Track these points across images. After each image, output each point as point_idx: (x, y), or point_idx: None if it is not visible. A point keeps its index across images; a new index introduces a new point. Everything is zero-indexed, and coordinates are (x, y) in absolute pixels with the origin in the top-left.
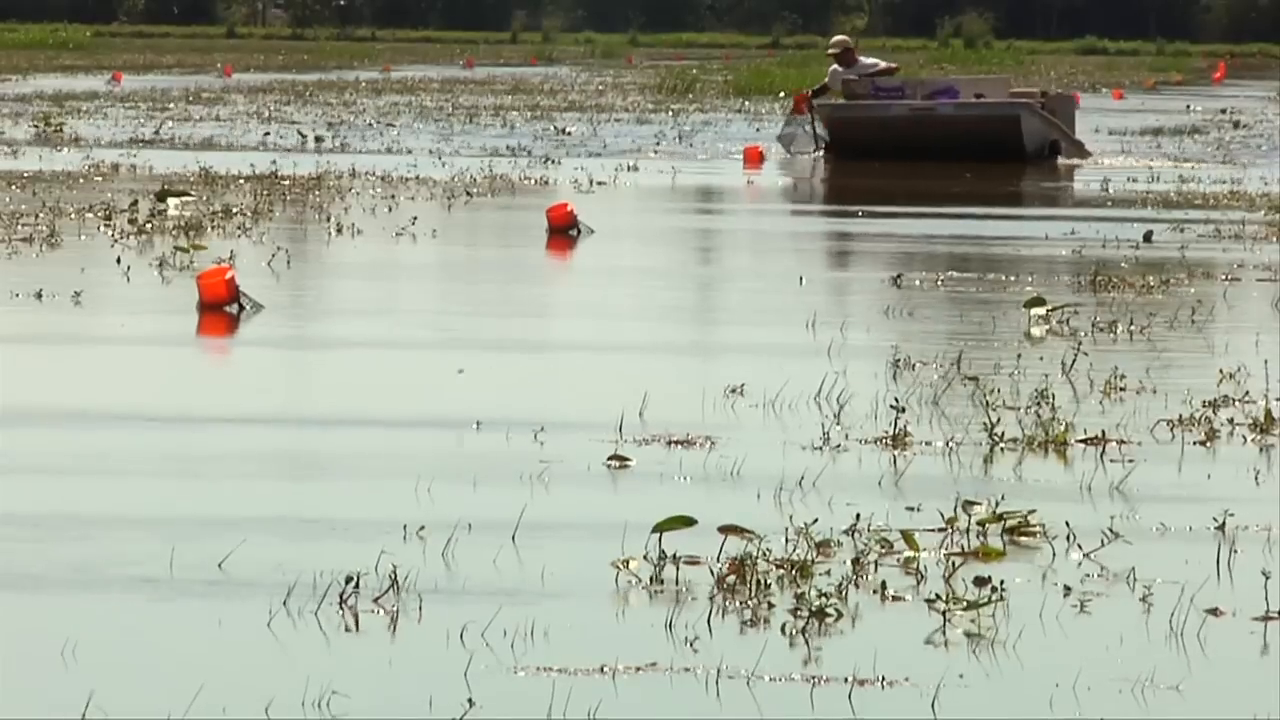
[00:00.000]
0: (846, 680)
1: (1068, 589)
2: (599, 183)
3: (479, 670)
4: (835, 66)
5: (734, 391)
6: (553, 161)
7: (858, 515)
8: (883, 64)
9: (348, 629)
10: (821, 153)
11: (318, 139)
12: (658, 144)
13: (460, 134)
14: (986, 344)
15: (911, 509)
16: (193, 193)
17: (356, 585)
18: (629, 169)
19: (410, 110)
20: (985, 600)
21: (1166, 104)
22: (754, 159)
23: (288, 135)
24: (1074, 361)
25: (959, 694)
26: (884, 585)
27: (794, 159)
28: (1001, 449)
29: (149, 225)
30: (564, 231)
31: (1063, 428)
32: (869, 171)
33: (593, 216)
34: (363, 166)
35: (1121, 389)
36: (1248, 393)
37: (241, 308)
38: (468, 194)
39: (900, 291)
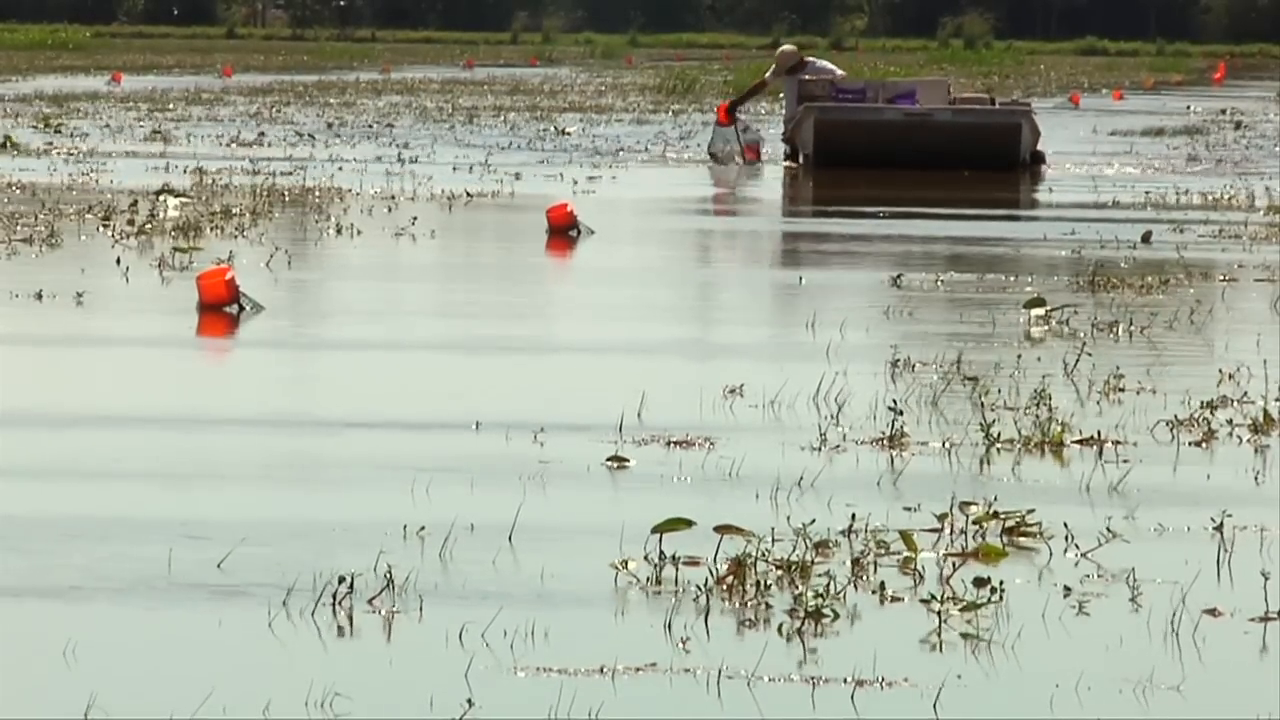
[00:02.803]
0: (846, 681)
1: (1067, 589)
2: (590, 178)
3: (479, 671)
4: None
5: (733, 392)
6: (547, 165)
7: (854, 515)
8: (837, 70)
9: (347, 630)
10: (743, 158)
11: (310, 136)
12: (663, 145)
13: (460, 137)
14: (986, 344)
15: (910, 509)
16: (191, 193)
17: (351, 587)
18: (618, 167)
19: (410, 111)
20: (984, 600)
21: (1166, 104)
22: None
23: (286, 135)
24: (1077, 362)
25: (959, 694)
26: (883, 586)
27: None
28: (999, 449)
29: (148, 226)
30: (564, 232)
31: (1058, 429)
32: (868, 172)
33: (592, 217)
34: (361, 167)
35: (1120, 389)
36: (1246, 393)
37: (241, 308)
38: (467, 194)
39: (900, 292)
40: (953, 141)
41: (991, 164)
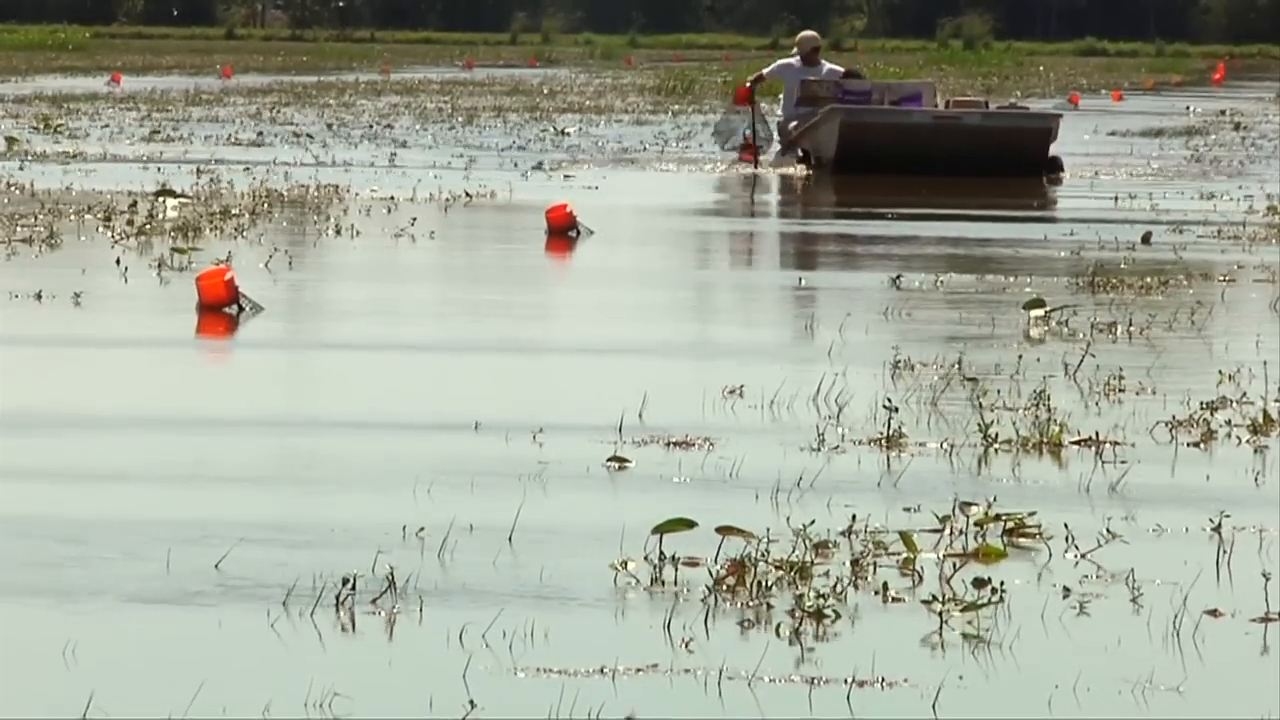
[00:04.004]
0: (846, 681)
1: (1066, 590)
2: (566, 176)
3: (479, 671)
4: (792, 61)
5: (733, 393)
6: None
7: (854, 516)
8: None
9: (347, 631)
10: (774, 150)
11: (309, 137)
12: (663, 147)
13: (460, 138)
14: (986, 345)
15: (909, 510)
16: (190, 194)
17: (354, 588)
18: (620, 165)
19: (410, 111)
20: (984, 601)
21: (1173, 104)
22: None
23: (285, 136)
24: (1081, 363)
25: (959, 695)
26: (885, 586)
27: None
28: (998, 450)
29: (147, 226)
30: (563, 233)
31: (1058, 429)
32: (886, 176)
33: (592, 217)
34: (360, 169)
35: (1120, 390)
36: (1245, 394)
37: (241, 309)
38: (466, 195)
39: (900, 292)
40: (982, 146)
41: (1021, 169)
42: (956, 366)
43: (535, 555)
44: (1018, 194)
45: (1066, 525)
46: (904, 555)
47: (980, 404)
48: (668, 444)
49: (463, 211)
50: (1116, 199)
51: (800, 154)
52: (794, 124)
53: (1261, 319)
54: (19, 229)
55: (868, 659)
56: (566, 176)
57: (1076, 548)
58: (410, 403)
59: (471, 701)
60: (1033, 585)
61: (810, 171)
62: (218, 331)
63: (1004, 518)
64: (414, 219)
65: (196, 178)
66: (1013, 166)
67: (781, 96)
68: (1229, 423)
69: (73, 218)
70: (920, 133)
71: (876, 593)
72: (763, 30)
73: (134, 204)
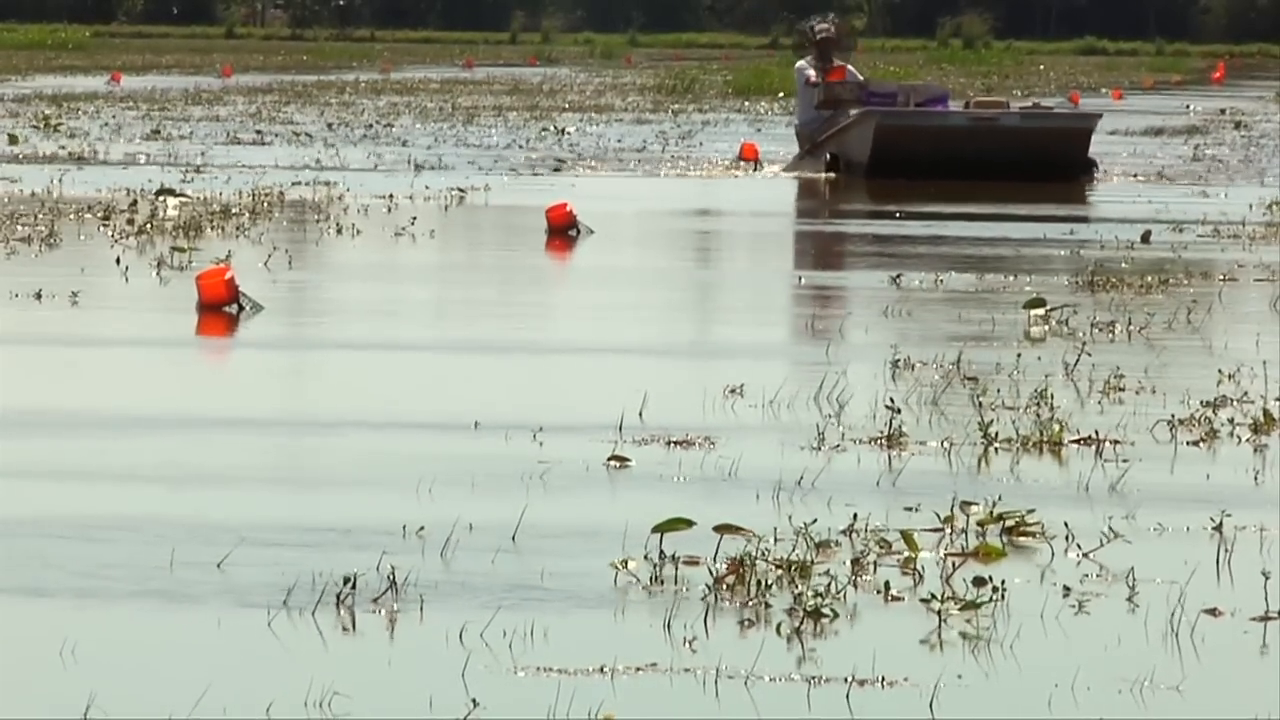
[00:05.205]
0: (845, 680)
1: (1066, 589)
2: (535, 174)
3: (479, 670)
4: (806, 69)
5: (733, 392)
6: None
7: (855, 515)
8: (859, 76)
9: (348, 630)
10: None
11: (309, 136)
12: (664, 147)
13: (461, 137)
14: (986, 344)
15: (910, 509)
16: (190, 193)
17: (354, 587)
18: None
19: (410, 111)
20: (984, 600)
21: (1185, 103)
22: (750, 155)
23: (285, 135)
24: (1077, 361)
25: (958, 694)
26: (887, 585)
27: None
28: (998, 449)
29: (148, 226)
30: (563, 232)
31: (1058, 428)
32: (902, 176)
33: (592, 217)
34: (359, 169)
35: (1120, 389)
36: (1245, 393)
37: (241, 308)
38: (459, 191)
39: (900, 292)
40: (1021, 148)
41: (1060, 171)
42: (956, 366)
43: (535, 555)
44: (1029, 195)
45: (1067, 524)
46: (905, 554)
47: (980, 403)
48: (668, 443)
49: (462, 211)
50: (1115, 200)
51: (827, 158)
52: (813, 128)
53: (1261, 319)
54: (18, 228)
55: (867, 658)
56: (536, 174)
57: (1077, 547)
58: (410, 403)
59: (472, 701)
60: (1033, 584)
61: (837, 175)
62: (218, 331)
63: (1004, 516)
64: (414, 219)
65: (196, 176)
66: (1052, 169)
67: (796, 101)
68: (1230, 421)
69: (72, 217)
70: (957, 136)
71: (877, 592)
72: (763, 30)
73: (134, 203)
